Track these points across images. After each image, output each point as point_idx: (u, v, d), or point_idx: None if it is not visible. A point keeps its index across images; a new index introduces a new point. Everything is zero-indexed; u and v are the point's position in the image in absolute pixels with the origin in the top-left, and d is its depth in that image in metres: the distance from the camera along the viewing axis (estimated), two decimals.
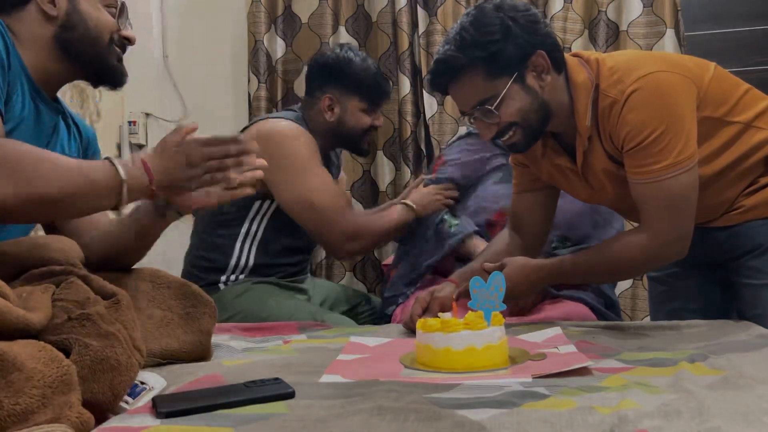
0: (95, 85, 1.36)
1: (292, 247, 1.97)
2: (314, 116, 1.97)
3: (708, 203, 1.39)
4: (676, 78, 1.30)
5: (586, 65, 1.35)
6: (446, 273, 1.96)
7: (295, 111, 2.00)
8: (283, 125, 1.87)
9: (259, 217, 1.92)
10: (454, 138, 2.21)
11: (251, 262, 1.91)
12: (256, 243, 1.92)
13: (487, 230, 1.93)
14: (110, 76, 1.32)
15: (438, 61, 1.35)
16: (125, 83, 1.35)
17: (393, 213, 1.96)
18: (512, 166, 1.60)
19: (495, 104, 1.31)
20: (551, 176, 1.51)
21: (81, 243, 1.28)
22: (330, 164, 2.04)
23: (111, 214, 1.40)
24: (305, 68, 2.19)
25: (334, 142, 2.01)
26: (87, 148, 1.43)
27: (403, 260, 2.03)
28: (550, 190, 1.56)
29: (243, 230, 1.91)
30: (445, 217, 1.98)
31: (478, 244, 1.89)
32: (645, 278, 2.42)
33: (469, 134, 2.12)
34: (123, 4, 1.32)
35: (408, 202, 1.96)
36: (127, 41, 1.33)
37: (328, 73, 1.96)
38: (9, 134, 1.16)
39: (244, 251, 1.91)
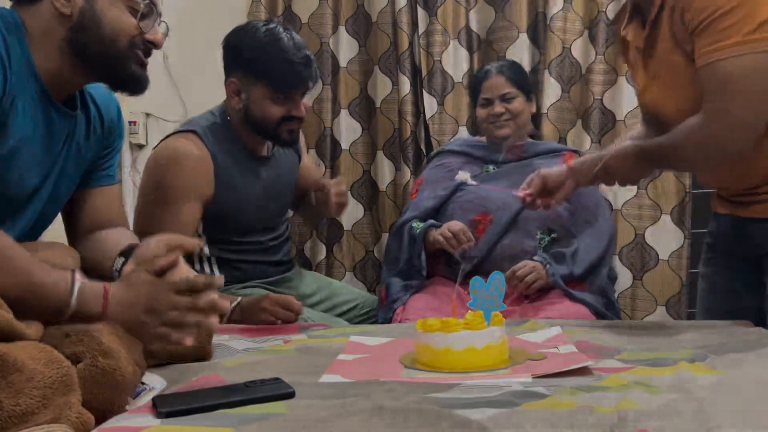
0: (114, 90, 1.28)
1: (248, 260, 1.88)
2: (229, 104, 1.81)
3: (743, 162, 1.33)
4: None
5: None
6: (440, 274, 2.01)
7: (215, 111, 1.85)
8: (170, 148, 1.73)
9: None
10: (426, 161, 2.31)
11: (217, 274, 1.84)
12: (213, 262, 1.85)
13: (472, 229, 1.94)
14: (128, 83, 1.24)
15: None
16: (146, 90, 1.26)
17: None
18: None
19: None
20: (631, 60, 1.48)
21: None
22: (266, 158, 1.87)
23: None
24: None
25: (253, 130, 1.79)
26: (110, 134, 1.34)
27: (390, 273, 2.08)
28: None
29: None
30: (414, 224, 2.04)
31: (435, 234, 1.94)
32: (644, 279, 2.43)
33: (438, 153, 2.24)
34: (151, 5, 1.22)
35: (236, 301, 1.63)
36: (152, 45, 1.23)
37: (232, 54, 1.76)
38: (12, 154, 1.11)
39: (206, 268, 1.84)
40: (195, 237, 1.75)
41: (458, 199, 2.04)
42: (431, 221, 2.01)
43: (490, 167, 2.10)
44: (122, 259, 1.19)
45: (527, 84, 2.17)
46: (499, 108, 2.06)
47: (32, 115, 1.14)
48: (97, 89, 1.32)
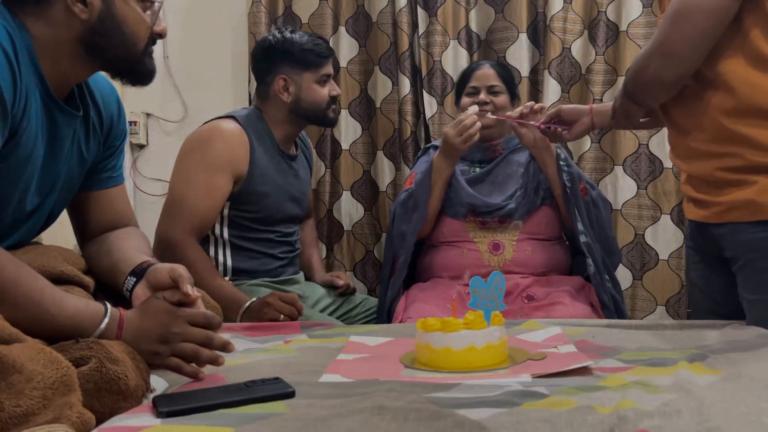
0: (125, 82, 1.24)
1: (262, 252, 1.95)
2: (271, 103, 1.96)
3: (692, 121, 1.37)
4: None
5: None
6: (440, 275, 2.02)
7: (247, 108, 2.02)
8: (211, 126, 1.89)
9: (218, 220, 1.90)
10: (419, 154, 2.31)
11: (230, 263, 1.91)
12: (228, 247, 1.92)
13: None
14: (142, 77, 1.22)
15: None
16: (151, 82, 1.24)
17: (229, 290, 1.75)
18: None
19: None
20: None
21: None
22: (291, 157, 2.02)
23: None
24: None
25: (299, 121, 2.00)
26: (110, 133, 1.31)
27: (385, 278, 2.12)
28: None
29: (211, 233, 1.91)
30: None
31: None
32: (644, 278, 2.43)
33: (427, 149, 2.25)
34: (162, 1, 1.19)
35: (247, 303, 1.70)
36: (158, 36, 1.21)
37: (274, 54, 1.95)
38: (22, 163, 1.10)
39: (219, 254, 1.91)
40: (219, 214, 1.88)
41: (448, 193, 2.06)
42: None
43: (477, 168, 2.12)
44: (133, 279, 1.18)
45: (514, 86, 2.18)
46: (484, 97, 2.07)
47: (40, 120, 1.12)
48: (98, 85, 1.28)
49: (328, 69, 1.99)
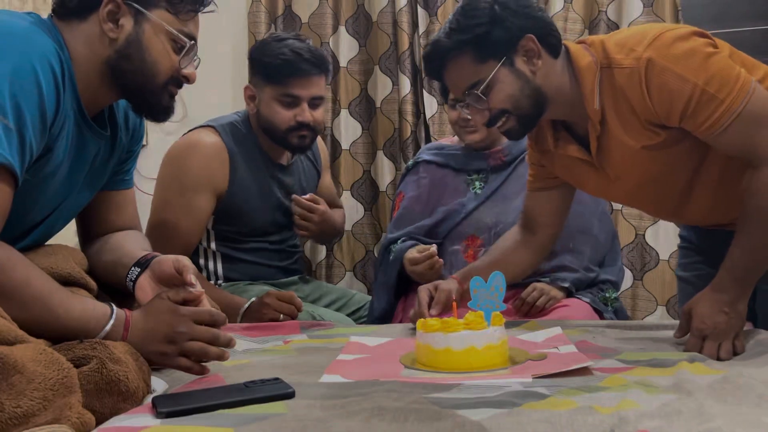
0: (139, 115, 1.27)
1: (255, 261, 1.89)
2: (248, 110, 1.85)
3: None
4: (689, 30, 1.22)
5: (589, 49, 1.30)
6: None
7: (238, 113, 1.90)
8: (187, 140, 1.80)
9: (204, 234, 1.84)
10: (403, 170, 2.18)
11: (221, 272, 1.87)
12: (218, 258, 1.87)
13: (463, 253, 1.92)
14: (156, 113, 1.21)
15: (428, 46, 1.35)
16: (168, 120, 1.24)
17: (227, 298, 1.69)
18: (528, 165, 1.56)
19: (483, 89, 1.28)
20: (564, 171, 1.46)
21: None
22: (282, 168, 1.90)
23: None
24: None
25: (266, 135, 1.82)
26: (131, 139, 1.33)
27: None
28: (565, 188, 1.51)
29: (199, 244, 1.85)
30: (392, 247, 1.96)
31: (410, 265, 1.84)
32: (644, 279, 2.43)
33: (416, 164, 2.08)
34: (194, 43, 1.20)
35: (246, 305, 1.67)
36: (185, 80, 1.20)
37: (250, 62, 1.85)
38: (49, 177, 1.11)
39: (210, 264, 1.86)
40: (205, 230, 1.81)
41: (449, 222, 1.95)
42: (411, 242, 1.93)
43: (477, 184, 1.97)
44: (137, 269, 1.18)
45: None
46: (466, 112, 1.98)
47: (70, 140, 1.13)
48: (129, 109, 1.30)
49: (297, 90, 1.75)
